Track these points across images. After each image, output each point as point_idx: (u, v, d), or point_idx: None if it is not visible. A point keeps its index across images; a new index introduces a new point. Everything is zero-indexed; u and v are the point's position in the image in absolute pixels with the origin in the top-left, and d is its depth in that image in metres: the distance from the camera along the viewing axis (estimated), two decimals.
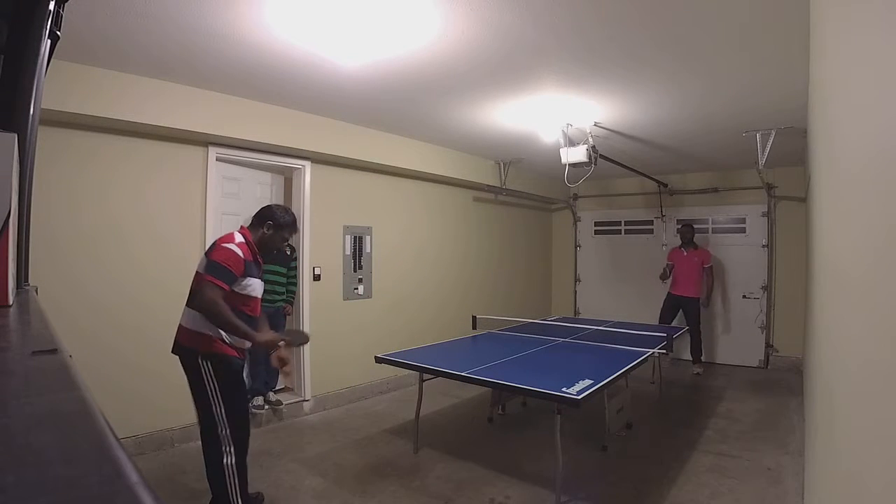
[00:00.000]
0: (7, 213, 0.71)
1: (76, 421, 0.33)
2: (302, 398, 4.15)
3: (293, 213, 2.51)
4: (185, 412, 3.40)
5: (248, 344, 2.27)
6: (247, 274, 2.25)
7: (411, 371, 3.38)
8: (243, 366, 2.36)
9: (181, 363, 2.25)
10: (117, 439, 0.29)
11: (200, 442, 2.31)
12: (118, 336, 3.12)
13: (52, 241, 2.86)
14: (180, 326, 2.26)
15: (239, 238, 2.30)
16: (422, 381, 3.43)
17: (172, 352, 2.26)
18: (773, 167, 5.07)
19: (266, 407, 3.85)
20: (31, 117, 0.94)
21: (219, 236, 2.37)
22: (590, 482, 2.94)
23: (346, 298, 4.53)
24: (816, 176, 2.38)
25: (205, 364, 2.18)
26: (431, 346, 3.91)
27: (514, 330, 4.74)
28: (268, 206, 2.49)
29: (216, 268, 2.16)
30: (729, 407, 4.38)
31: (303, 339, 2.59)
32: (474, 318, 4.61)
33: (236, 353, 2.26)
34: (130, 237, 3.20)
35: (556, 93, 3.38)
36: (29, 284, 1.10)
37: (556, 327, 4.67)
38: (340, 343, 4.43)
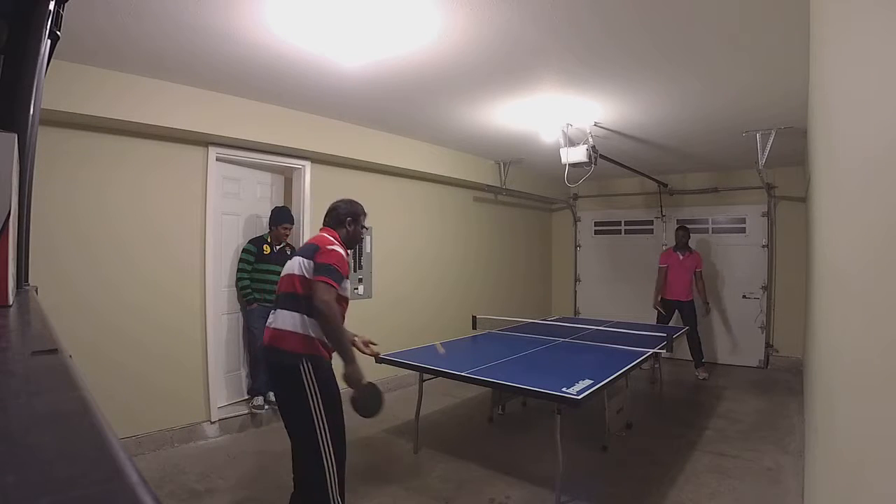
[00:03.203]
0: (7, 213, 0.71)
1: (76, 421, 0.33)
2: None
3: (357, 202, 2.45)
4: (183, 413, 3.42)
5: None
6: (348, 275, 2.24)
7: (411, 371, 3.38)
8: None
9: (272, 368, 2.19)
10: (117, 439, 0.29)
11: (292, 460, 2.26)
12: (116, 337, 3.12)
13: (48, 241, 2.86)
14: (275, 330, 2.14)
15: (334, 239, 2.25)
16: (422, 381, 3.43)
17: (267, 359, 2.19)
18: (773, 167, 5.07)
19: (266, 407, 3.85)
20: (31, 117, 0.94)
21: (311, 238, 2.33)
22: (590, 482, 2.94)
23: None
24: (816, 176, 2.38)
25: (306, 366, 2.08)
26: (431, 346, 3.91)
27: (514, 330, 4.74)
28: (337, 203, 2.41)
29: (330, 270, 2.11)
30: (729, 407, 4.38)
31: (375, 404, 2.22)
32: (474, 318, 4.61)
33: (330, 357, 2.18)
34: (129, 238, 3.20)
35: (556, 93, 3.38)
36: (29, 284, 1.10)
37: (556, 327, 4.67)
38: None
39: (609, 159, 4.70)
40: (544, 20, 2.31)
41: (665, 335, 3.74)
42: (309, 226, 4.20)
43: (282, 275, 2.26)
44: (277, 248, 3.87)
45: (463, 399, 4.53)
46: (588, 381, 2.64)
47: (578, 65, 2.88)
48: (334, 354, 2.17)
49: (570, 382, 2.61)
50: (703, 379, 5.37)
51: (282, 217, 3.88)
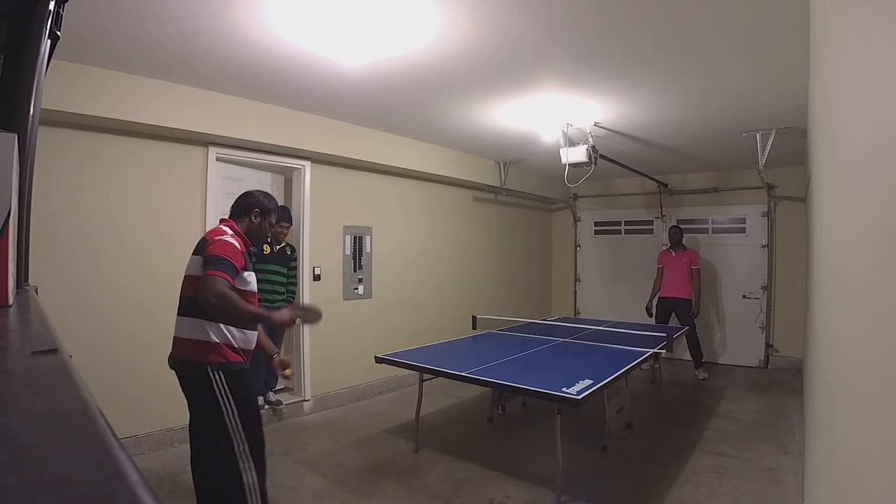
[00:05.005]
0: (7, 213, 0.71)
1: (76, 421, 0.34)
2: (302, 398, 4.15)
3: (274, 197, 2.40)
4: (184, 413, 3.41)
5: (253, 345, 2.15)
6: (245, 267, 2.12)
7: (411, 371, 3.38)
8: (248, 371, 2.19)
9: (181, 379, 2.09)
10: (117, 439, 0.29)
11: (198, 465, 2.16)
12: (116, 336, 3.12)
13: (50, 241, 2.86)
14: (177, 339, 2.08)
15: (228, 230, 2.14)
16: (422, 381, 3.43)
17: (171, 367, 2.11)
18: (773, 167, 5.07)
19: (266, 407, 3.85)
20: (31, 117, 0.94)
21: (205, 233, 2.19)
22: (590, 482, 2.94)
23: (346, 298, 4.53)
24: (816, 176, 2.38)
25: (216, 376, 1.98)
26: (431, 346, 3.91)
27: (514, 330, 4.74)
28: (247, 192, 2.34)
29: (218, 261, 1.98)
30: (729, 407, 4.38)
31: (316, 316, 2.26)
32: (474, 318, 4.61)
33: (244, 359, 2.10)
34: (130, 237, 3.20)
35: (556, 93, 3.38)
36: (29, 284, 1.10)
37: (556, 327, 4.67)
38: (340, 343, 4.42)
39: (609, 159, 4.70)
40: (544, 20, 2.31)
41: (665, 335, 3.74)
42: (309, 226, 4.21)
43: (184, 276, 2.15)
44: (277, 248, 3.87)
45: (463, 399, 4.53)
46: (588, 381, 2.64)
47: (578, 65, 2.88)
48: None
49: (570, 382, 2.61)
50: (703, 379, 5.37)
51: (280, 216, 3.88)
